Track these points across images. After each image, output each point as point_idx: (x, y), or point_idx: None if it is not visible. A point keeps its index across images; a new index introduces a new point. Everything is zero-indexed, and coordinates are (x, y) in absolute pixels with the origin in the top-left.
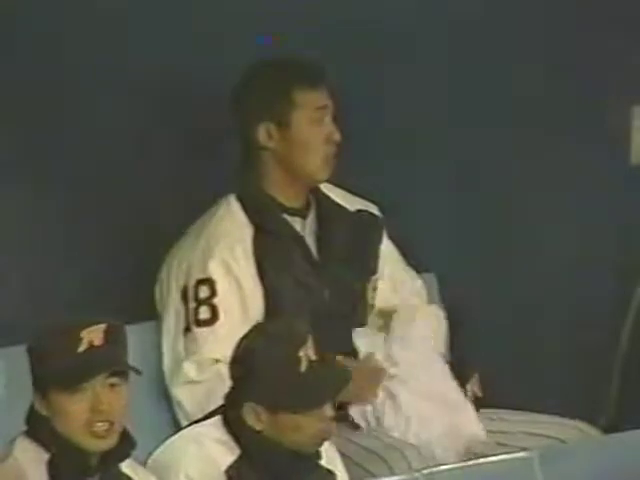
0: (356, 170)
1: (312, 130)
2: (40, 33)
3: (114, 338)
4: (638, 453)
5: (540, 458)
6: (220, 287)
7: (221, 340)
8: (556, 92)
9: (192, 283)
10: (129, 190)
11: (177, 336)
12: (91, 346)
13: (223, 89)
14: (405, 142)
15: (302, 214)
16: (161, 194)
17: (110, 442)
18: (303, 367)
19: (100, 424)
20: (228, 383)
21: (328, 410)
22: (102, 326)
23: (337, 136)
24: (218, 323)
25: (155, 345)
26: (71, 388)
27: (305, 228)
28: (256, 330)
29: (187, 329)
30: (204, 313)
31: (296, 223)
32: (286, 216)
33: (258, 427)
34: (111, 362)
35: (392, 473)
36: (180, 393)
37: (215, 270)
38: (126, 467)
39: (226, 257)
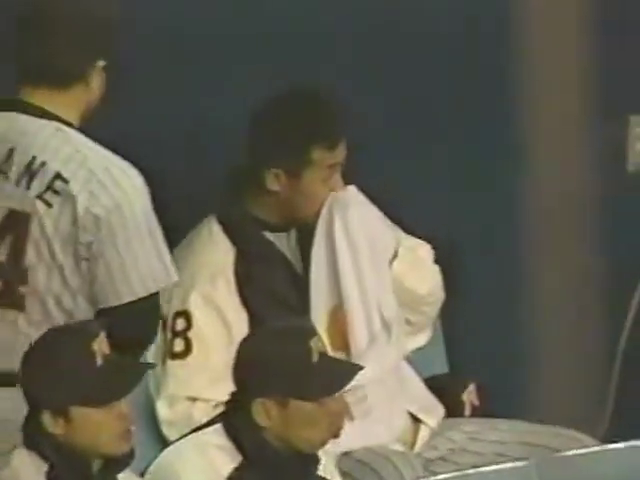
0: None
1: (321, 186)
2: None
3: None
4: (636, 463)
5: (537, 468)
6: (197, 319)
7: (193, 374)
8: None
9: (171, 314)
10: None
11: (157, 366)
12: (104, 356)
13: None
14: None
15: (285, 228)
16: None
17: (130, 444)
18: (315, 357)
19: (127, 430)
20: (197, 423)
21: (335, 404)
22: (102, 333)
23: (340, 189)
24: (191, 356)
25: None
26: (108, 404)
27: (289, 242)
28: (259, 330)
29: (163, 361)
30: (178, 346)
31: (279, 238)
32: (268, 233)
33: (266, 424)
34: (141, 368)
35: None
36: (164, 429)
37: (194, 303)
38: (122, 477)
39: (207, 289)
